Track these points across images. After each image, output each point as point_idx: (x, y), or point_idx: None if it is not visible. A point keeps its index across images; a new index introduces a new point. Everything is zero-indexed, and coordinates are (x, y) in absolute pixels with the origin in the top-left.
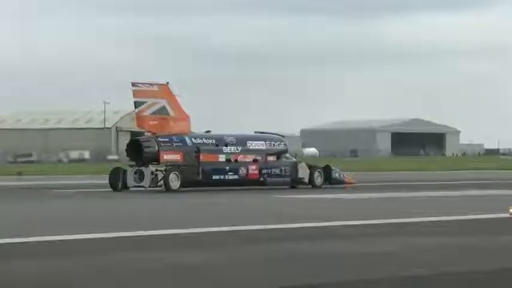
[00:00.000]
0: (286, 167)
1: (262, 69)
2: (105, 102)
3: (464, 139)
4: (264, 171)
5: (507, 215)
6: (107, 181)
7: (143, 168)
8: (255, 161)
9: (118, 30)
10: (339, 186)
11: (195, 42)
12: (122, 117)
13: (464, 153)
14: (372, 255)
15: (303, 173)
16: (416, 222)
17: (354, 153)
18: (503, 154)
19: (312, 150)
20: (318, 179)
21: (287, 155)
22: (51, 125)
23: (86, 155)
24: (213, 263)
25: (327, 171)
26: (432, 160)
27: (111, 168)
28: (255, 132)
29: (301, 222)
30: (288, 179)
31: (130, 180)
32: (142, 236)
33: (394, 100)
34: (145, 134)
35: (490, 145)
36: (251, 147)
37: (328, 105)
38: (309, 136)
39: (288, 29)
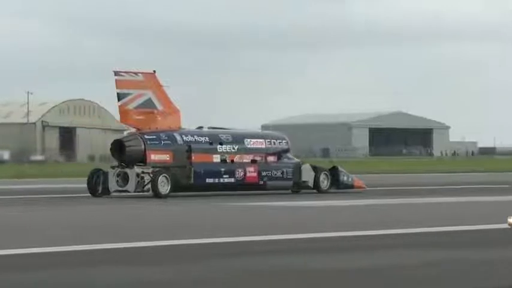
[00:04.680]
0: (288, 169)
1: (218, 53)
2: (28, 93)
3: (456, 136)
4: (263, 173)
5: (505, 225)
6: (37, 186)
7: (127, 170)
8: (253, 161)
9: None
10: (348, 190)
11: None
12: (49, 110)
13: (455, 152)
14: (382, 270)
15: (307, 175)
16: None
17: (325, 152)
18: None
19: None
20: (324, 183)
21: (289, 154)
22: None
23: (6, 155)
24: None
25: (334, 173)
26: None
27: (90, 170)
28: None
29: (301, 233)
30: (290, 183)
31: (113, 183)
32: (97, 249)
33: (371, 90)
34: (122, 131)
35: (485, 143)
36: (249, 146)
37: (294, 95)
38: None
39: (262, 8)
